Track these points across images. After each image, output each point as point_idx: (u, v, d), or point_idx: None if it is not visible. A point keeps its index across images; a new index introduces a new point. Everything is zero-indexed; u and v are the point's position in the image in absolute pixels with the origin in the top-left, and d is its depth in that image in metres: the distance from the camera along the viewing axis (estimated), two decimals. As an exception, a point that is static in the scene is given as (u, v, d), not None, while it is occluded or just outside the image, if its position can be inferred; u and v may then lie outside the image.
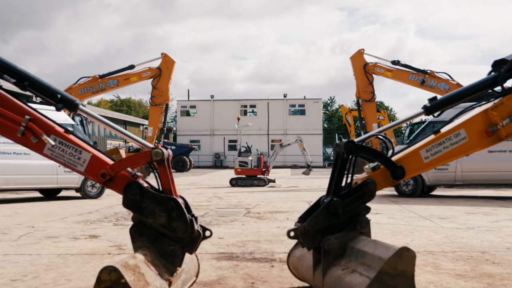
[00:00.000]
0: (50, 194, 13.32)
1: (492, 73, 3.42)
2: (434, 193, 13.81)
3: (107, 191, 13.36)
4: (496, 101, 3.36)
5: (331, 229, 3.16)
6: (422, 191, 12.80)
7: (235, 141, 38.05)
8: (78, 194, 12.68)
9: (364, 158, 3.40)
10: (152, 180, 3.41)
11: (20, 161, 11.24)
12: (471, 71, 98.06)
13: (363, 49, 20.62)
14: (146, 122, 37.93)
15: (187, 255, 3.11)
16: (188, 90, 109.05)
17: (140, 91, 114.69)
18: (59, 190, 13.29)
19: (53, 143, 3.09)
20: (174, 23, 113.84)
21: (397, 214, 8.55)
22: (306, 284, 3.65)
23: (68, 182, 12.33)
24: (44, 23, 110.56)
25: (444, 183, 13.26)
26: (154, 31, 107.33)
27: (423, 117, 3.69)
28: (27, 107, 3.14)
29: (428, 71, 19.09)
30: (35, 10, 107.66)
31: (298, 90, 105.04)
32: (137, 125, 53.20)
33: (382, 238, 3.27)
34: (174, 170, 30.25)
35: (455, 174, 12.46)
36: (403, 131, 31.03)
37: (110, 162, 3.16)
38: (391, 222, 7.51)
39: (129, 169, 3.16)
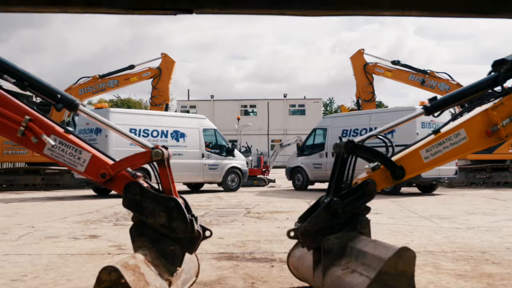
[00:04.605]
0: (196, 188, 15.74)
1: (492, 73, 3.42)
2: (434, 192, 13.81)
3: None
4: (496, 101, 3.36)
5: (331, 229, 3.15)
6: (307, 185, 15.84)
7: (235, 141, 38.02)
8: (80, 194, 12.69)
9: (364, 158, 3.40)
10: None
11: (174, 160, 12.05)
12: (471, 71, 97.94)
13: (363, 49, 20.60)
14: (146, 122, 37.87)
15: (187, 255, 3.11)
16: (188, 90, 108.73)
17: (140, 91, 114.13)
18: (202, 184, 15.76)
19: (53, 143, 3.09)
20: (173, 22, 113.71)
21: (397, 214, 8.55)
22: (306, 284, 3.65)
23: (212, 178, 14.66)
24: (41, 22, 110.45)
25: (320, 180, 15.52)
26: (153, 30, 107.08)
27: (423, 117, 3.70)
28: (27, 107, 3.14)
29: (428, 71, 19.08)
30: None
31: (298, 90, 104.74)
32: (137, 125, 53.04)
33: (382, 238, 3.26)
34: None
35: (326, 172, 14.35)
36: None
37: (110, 162, 3.16)
38: (391, 222, 7.51)
39: (129, 169, 3.16)
